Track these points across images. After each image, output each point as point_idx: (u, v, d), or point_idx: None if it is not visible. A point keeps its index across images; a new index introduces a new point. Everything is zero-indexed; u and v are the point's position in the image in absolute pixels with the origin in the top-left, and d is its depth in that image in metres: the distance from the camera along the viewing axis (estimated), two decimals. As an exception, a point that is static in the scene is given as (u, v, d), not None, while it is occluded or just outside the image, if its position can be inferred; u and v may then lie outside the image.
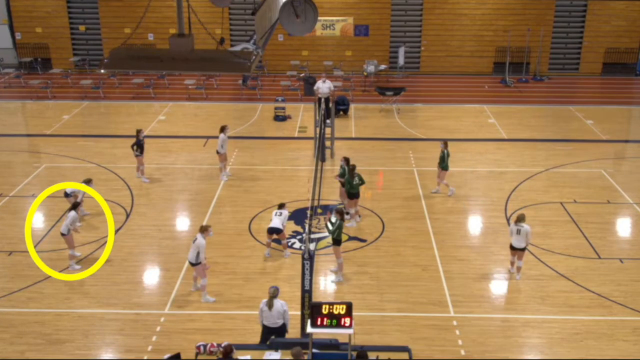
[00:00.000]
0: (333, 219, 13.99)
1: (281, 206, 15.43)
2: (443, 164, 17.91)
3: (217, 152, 19.15)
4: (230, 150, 20.65)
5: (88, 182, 16.39)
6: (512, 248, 14.11)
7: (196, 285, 13.70)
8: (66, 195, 16.49)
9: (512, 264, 14.33)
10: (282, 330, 11.17)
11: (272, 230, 14.91)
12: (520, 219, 13.96)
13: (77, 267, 14.56)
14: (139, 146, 18.74)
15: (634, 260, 15.09)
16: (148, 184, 18.94)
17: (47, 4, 31.28)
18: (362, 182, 16.46)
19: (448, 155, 17.89)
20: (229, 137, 19.63)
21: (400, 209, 17.55)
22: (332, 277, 14.35)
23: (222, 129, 19.01)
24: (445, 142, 18.22)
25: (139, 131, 18.94)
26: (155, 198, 18.18)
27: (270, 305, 10.99)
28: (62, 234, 14.43)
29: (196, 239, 13.10)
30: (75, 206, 14.71)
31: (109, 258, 14.93)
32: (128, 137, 22.87)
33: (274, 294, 11.05)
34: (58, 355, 11.72)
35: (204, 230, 13.24)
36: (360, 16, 30.53)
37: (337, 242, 14.06)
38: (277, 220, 14.95)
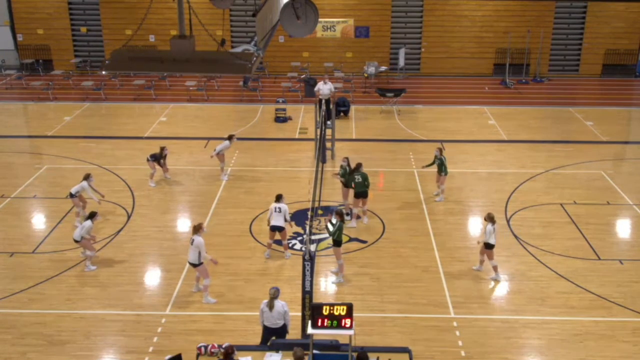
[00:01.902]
0: (334, 221, 14.02)
1: (278, 198, 14.97)
2: (444, 170, 17.86)
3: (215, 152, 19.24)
4: (231, 151, 20.67)
5: (87, 177, 16.45)
6: (490, 247, 14.10)
7: (198, 286, 13.73)
8: (71, 196, 16.51)
9: (482, 262, 14.43)
10: (282, 331, 11.19)
11: (274, 228, 14.86)
12: (493, 218, 14.12)
13: (93, 267, 14.59)
14: (154, 158, 18.76)
15: (634, 262, 15.12)
16: (148, 186, 18.99)
17: (49, 6, 31.35)
18: (365, 181, 16.41)
19: (445, 159, 17.87)
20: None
21: (401, 210, 17.58)
22: (333, 278, 14.39)
23: (230, 138, 19.11)
24: (439, 148, 18.15)
25: (162, 148, 18.96)
26: (156, 199, 18.22)
27: (270, 306, 11.03)
28: (76, 241, 14.45)
29: (193, 239, 13.10)
30: (92, 216, 14.68)
31: (110, 259, 15.00)
32: (129, 138, 22.95)
33: (274, 294, 11.08)
34: (59, 356, 11.76)
35: (197, 229, 13.21)
36: (360, 18, 30.57)
37: (337, 243, 14.09)
38: (278, 217, 14.81)
